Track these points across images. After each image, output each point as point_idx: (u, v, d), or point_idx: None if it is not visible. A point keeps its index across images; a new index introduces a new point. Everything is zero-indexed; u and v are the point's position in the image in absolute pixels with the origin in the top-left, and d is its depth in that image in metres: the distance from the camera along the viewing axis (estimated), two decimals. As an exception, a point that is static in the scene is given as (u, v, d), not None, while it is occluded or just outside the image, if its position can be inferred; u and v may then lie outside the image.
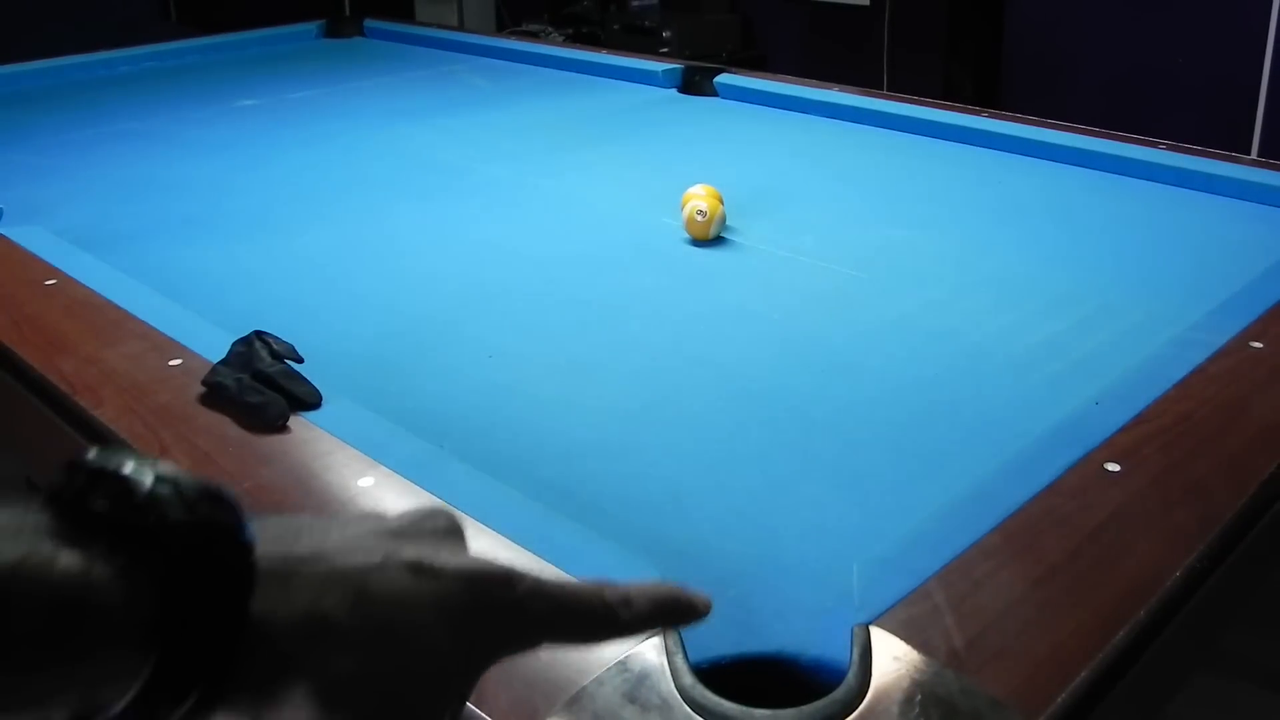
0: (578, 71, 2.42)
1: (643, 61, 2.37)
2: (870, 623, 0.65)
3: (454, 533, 0.45)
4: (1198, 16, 3.27)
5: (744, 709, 0.58)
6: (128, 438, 0.89)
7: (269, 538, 0.38)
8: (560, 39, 4.28)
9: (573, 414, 1.00)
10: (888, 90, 3.41)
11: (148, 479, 0.35)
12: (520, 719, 0.59)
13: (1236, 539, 0.75)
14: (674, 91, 2.23)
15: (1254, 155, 2.22)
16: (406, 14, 4.46)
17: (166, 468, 0.36)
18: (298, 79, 2.45)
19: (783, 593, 0.73)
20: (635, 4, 4.41)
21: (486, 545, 0.74)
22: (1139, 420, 0.88)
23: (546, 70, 2.47)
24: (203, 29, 3.26)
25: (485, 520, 0.76)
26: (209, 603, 0.35)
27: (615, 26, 4.35)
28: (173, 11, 4.67)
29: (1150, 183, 1.59)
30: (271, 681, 0.36)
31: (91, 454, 0.36)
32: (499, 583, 0.42)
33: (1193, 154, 1.61)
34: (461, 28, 4.32)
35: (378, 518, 0.43)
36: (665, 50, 3.99)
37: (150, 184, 1.72)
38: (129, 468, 0.36)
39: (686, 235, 1.42)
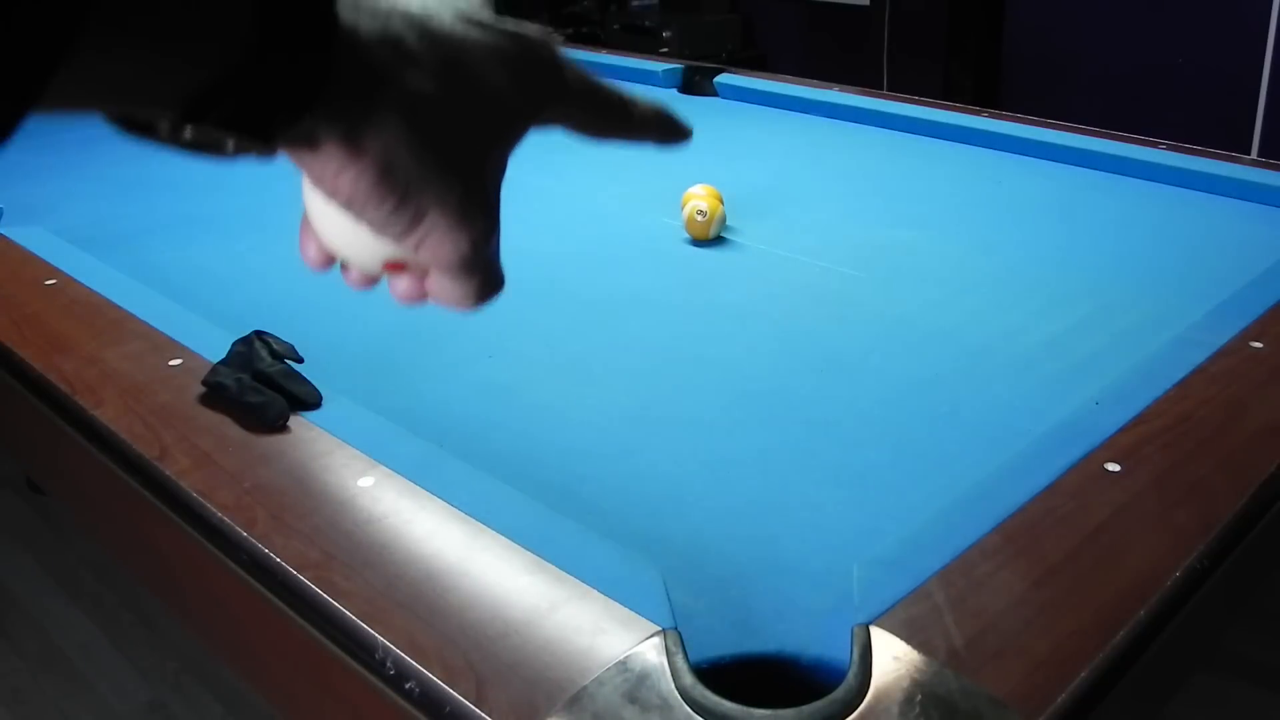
0: (578, 71, 2.42)
1: (643, 61, 2.37)
2: (870, 623, 0.65)
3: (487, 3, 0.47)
4: (1198, 16, 3.27)
5: (744, 709, 0.58)
6: (128, 438, 0.89)
7: None
8: (560, 39, 4.27)
9: (572, 414, 1.00)
10: (888, 90, 3.41)
11: None
12: (520, 719, 0.60)
13: (1236, 539, 0.75)
14: (674, 91, 2.23)
15: (1254, 155, 2.22)
16: (406, 14, 4.46)
17: None
18: (298, 79, 2.45)
19: (783, 593, 0.73)
20: (635, 4, 4.41)
21: (486, 544, 0.74)
22: (1139, 420, 0.88)
23: (546, 70, 2.47)
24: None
25: (485, 520, 0.76)
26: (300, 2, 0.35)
27: (615, 26, 4.35)
28: (173, 11, 4.67)
29: (1150, 183, 1.59)
30: (362, 91, 0.37)
31: None
32: (543, 43, 0.44)
33: (1193, 154, 1.61)
34: (461, 28, 4.32)
35: None
36: (665, 50, 3.99)
37: (150, 183, 1.72)
38: None
39: (686, 235, 1.42)
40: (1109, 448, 0.84)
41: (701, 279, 1.33)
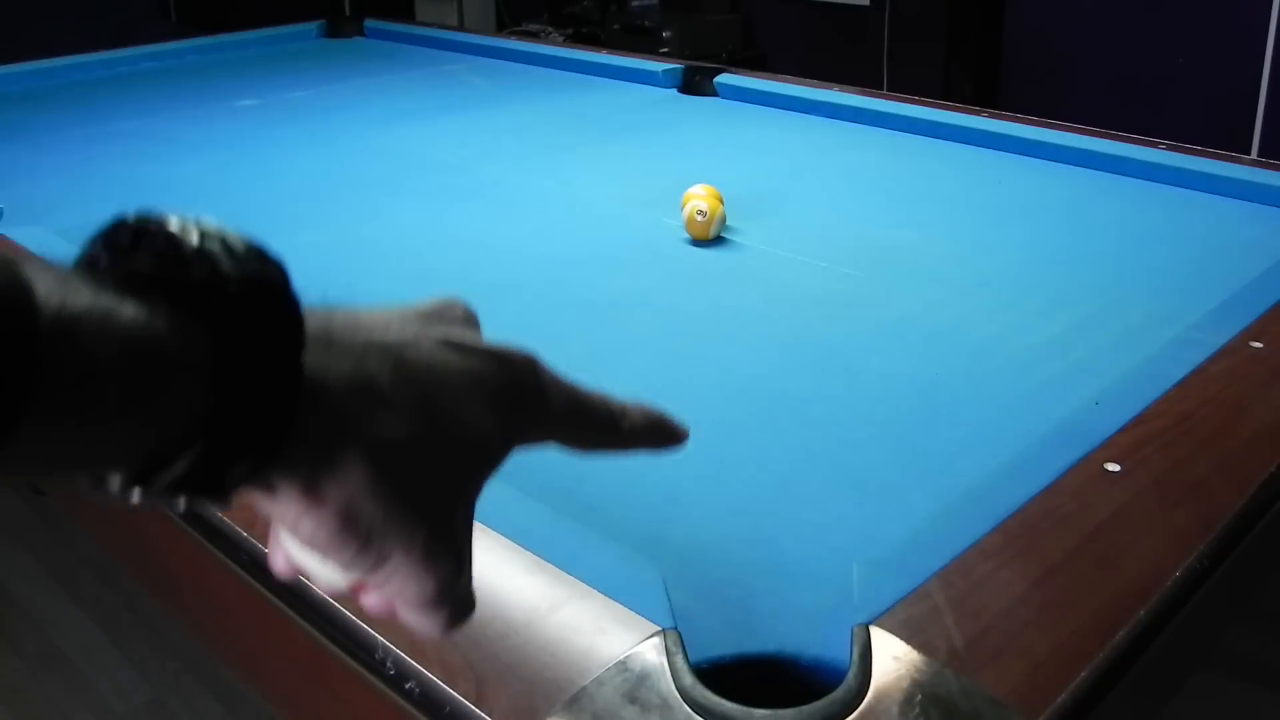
0: (578, 71, 2.42)
1: (643, 61, 2.37)
2: (870, 623, 0.65)
3: (472, 320, 0.45)
4: (1198, 17, 3.27)
5: (744, 709, 0.58)
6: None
7: (307, 310, 0.37)
8: (560, 39, 4.28)
9: (573, 414, 1.00)
10: (888, 90, 3.41)
11: (194, 235, 0.34)
12: (520, 719, 0.59)
13: (1236, 539, 0.75)
14: (674, 91, 2.23)
15: (1254, 155, 2.22)
16: (406, 14, 4.46)
17: (210, 224, 0.35)
18: (298, 79, 2.45)
19: (783, 593, 0.73)
20: (635, 4, 4.41)
21: (486, 544, 0.74)
22: (1139, 420, 0.88)
23: (546, 70, 2.47)
24: (203, 29, 3.26)
25: (485, 520, 0.76)
26: (265, 356, 0.34)
27: (615, 26, 4.35)
28: (173, 11, 4.67)
29: (1150, 183, 1.59)
30: (325, 440, 0.36)
31: (129, 215, 0.35)
32: (524, 367, 0.43)
33: (1193, 154, 1.61)
34: (461, 28, 4.33)
35: (400, 305, 0.43)
36: (665, 50, 3.99)
37: (150, 184, 1.72)
38: (174, 225, 0.34)
39: (686, 235, 1.42)
40: (1109, 448, 0.84)
41: (701, 279, 1.33)
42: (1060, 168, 1.68)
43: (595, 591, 0.68)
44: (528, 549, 0.73)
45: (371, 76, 2.48)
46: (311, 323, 0.36)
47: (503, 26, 4.75)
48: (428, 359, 0.39)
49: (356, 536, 0.37)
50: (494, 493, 0.85)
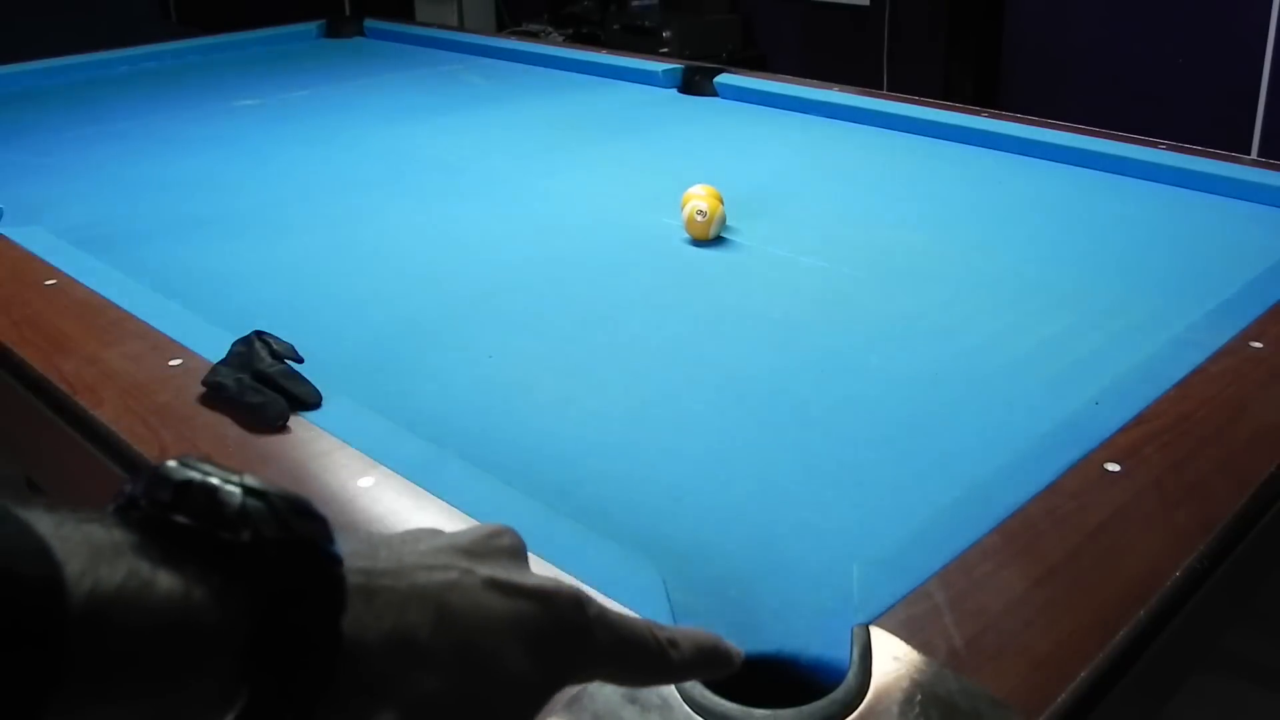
0: (578, 71, 2.42)
1: (643, 61, 2.37)
2: (870, 623, 0.65)
3: (520, 552, 0.44)
4: (1198, 17, 3.27)
5: (744, 709, 0.58)
6: (128, 438, 0.89)
7: (349, 553, 0.36)
8: (560, 39, 4.28)
9: (572, 414, 1.00)
10: (888, 90, 3.41)
11: (237, 493, 0.34)
12: (520, 719, 0.59)
13: (1236, 539, 0.75)
14: (674, 91, 2.23)
15: (1254, 155, 2.23)
16: (406, 14, 4.46)
17: (253, 480, 0.34)
18: (298, 79, 2.45)
19: (783, 593, 0.73)
20: (635, 4, 4.41)
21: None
22: (1139, 420, 0.88)
23: (546, 70, 2.47)
24: (203, 29, 3.26)
25: (485, 520, 0.76)
26: (305, 622, 0.34)
27: (615, 26, 4.35)
28: (173, 11, 4.67)
29: (1150, 183, 1.59)
30: (362, 703, 0.35)
31: (173, 464, 0.34)
32: (571, 605, 0.41)
33: (1193, 154, 1.61)
34: (461, 28, 4.33)
35: (449, 535, 0.42)
36: (665, 50, 3.99)
37: (150, 184, 1.72)
38: (216, 480, 0.34)
39: (686, 235, 1.42)
40: (1109, 448, 0.84)
41: (701, 279, 1.33)
42: (1060, 168, 1.68)
43: (595, 591, 0.68)
44: (527, 549, 0.73)
45: (371, 76, 2.48)
46: (354, 574, 0.36)
47: (503, 26, 4.75)
48: (471, 604, 0.39)
49: None
50: (494, 493, 0.85)
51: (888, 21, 3.84)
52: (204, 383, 0.94)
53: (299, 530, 0.34)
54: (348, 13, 4.02)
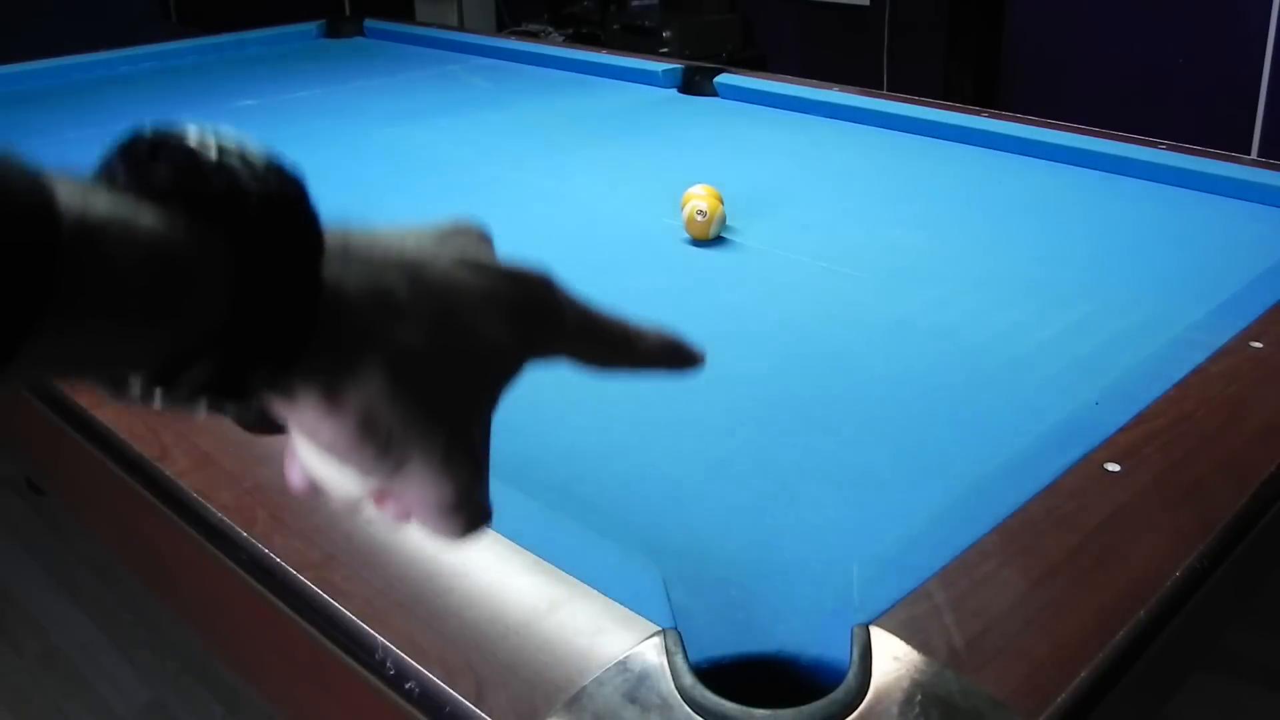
0: (578, 71, 2.42)
1: (643, 61, 2.37)
2: (870, 623, 0.65)
3: (486, 239, 0.45)
4: (1198, 17, 3.27)
5: (744, 709, 0.58)
6: (128, 438, 0.89)
7: (325, 223, 0.37)
8: (560, 39, 4.28)
9: (572, 413, 1.00)
10: (888, 90, 3.41)
11: (213, 148, 0.34)
12: (520, 719, 0.60)
13: (1236, 539, 0.75)
14: (674, 91, 2.23)
15: (1254, 155, 2.22)
16: (406, 14, 4.46)
17: (229, 137, 0.35)
18: (298, 79, 2.45)
19: (783, 593, 0.73)
20: (635, 4, 4.41)
21: (486, 544, 0.74)
22: (1139, 420, 0.88)
23: (546, 70, 2.47)
24: (203, 29, 3.26)
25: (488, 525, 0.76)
26: (284, 265, 0.35)
27: (615, 26, 4.35)
28: (173, 11, 4.67)
29: (1150, 183, 1.59)
30: (345, 350, 0.37)
31: (147, 129, 0.35)
32: (539, 284, 0.43)
33: (1193, 154, 1.61)
34: (461, 28, 4.33)
35: (415, 225, 0.43)
36: (665, 50, 3.99)
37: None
38: (192, 138, 0.35)
39: (686, 235, 1.42)
40: (1109, 448, 0.84)
41: (701, 279, 1.33)
42: (1060, 168, 1.68)
43: (595, 591, 0.68)
44: (527, 549, 0.73)
45: (371, 77, 2.48)
46: (330, 238, 0.37)
47: (503, 26, 4.75)
48: (444, 275, 0.40)
49: (375, 441, 0.38)
50: (494, 493, 0.85)
51: (888, 21, 3.84)
52: (204, 383, 0.94)
53: (276, 183, 0.35)
54: (348, 13, 4.01)
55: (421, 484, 0.39)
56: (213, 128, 0.35)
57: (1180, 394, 0.92)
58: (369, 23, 2.92)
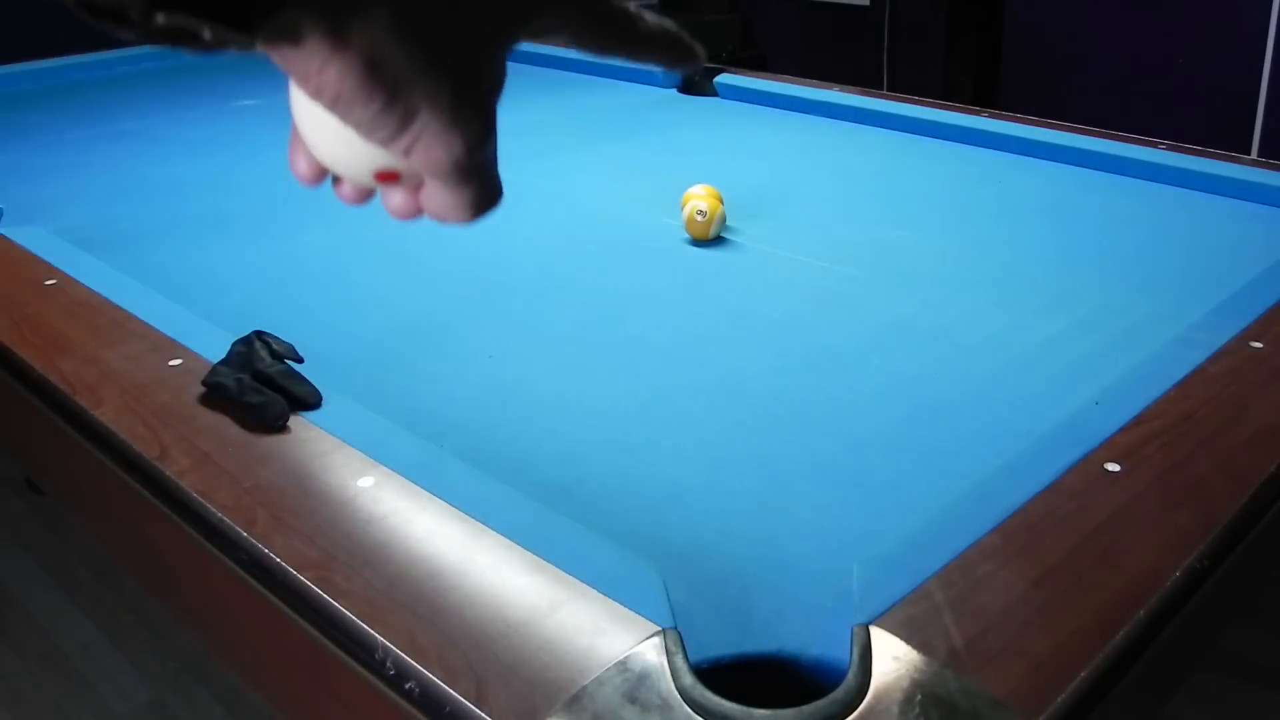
0: (578, 71, 2.42)
1: (643, 61, 2.37)
2: (870, 623, 0.65)
3: None
4: (1198, 17, 3.27)
5: (744, 709, 0.58)
6: (128, 438, 0.89)
7: None
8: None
9: (573, 414, 1.00)
10: (888, 90, 3.41)
11: None
12: (520, 719, 0.60)
13: (1236, 539, 0.75)
14: (674, 91, 2.23)
15: (1254, 155, 2.23)
16: (406, 14, 4.45)
17: None
18: (298, 79, 2.45)
19: (783, 593, 0.73)
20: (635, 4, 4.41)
21: (486, 544, 0.74)
22: (1139, 420, 0.88)
23: (546, 70, 2.47)
24: (203, 29, 3.26)
25: (485, 520, 0.76)
26: None
27: (615, 26, 4.35)
28: (173, 11, 4.66)
29: (1150, 183, 1.59)
30: None
31: None
32: None
33: (1193, 154, 1.61)
34: (461, 28, 4.32)
35: None
36: (665, 50, 3.98)
37: (150, 184, 1.72)
38: None
39: (686, 235, 1.42)
40: (1109, 448, 0.84)
41: (701, 279, 1.33)
42: (1060, 168, 1.68)
43: (595, 591, 0.68)
44: (527, 549, 0.73)
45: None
46: None
47: (503, 26, 4.74)
48: None
49: (382, 87, 0.36)
50: (494, 492, 0.85)
51: (888, 21, 3.84)
52: (204, 383, 0.94)
53: None
54: (348, 13, 4.01)
55: (431, 139, 0.38)
56: None
57: (1180, 394, 0.92)
58: (369, 23, 2.92)
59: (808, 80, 2.16)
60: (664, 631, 0.64)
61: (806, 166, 1.80)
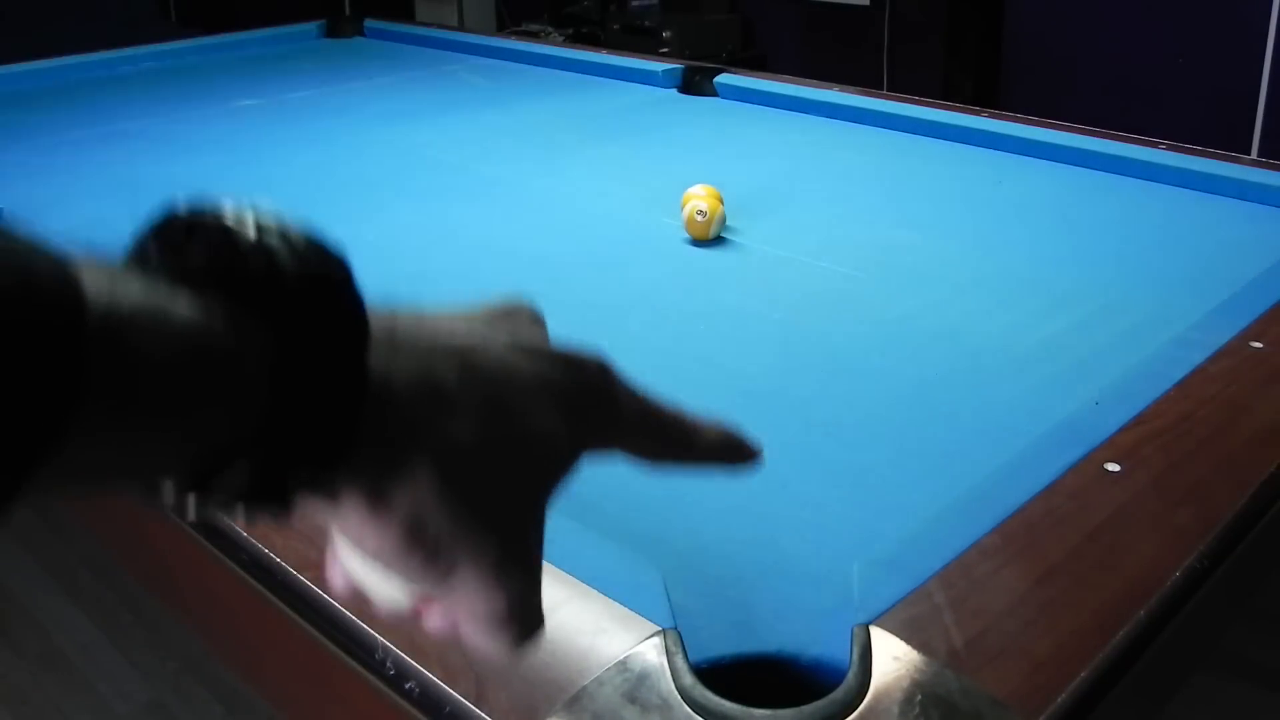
0: (578, 71, 2.42)
1: (643, 61, 2.37)
2: (870, 623, 0.65)
3: (540, 320, 0.43)
4: (1198, 17, 3.27)
5: (744, 709, 0.58)
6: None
7: (370, 308, 0.34)
8: (560, 39, 4.28)
9: (573, 414, 1.00)
10: (888, 90, 3.41)
11: (250, 227, 0.32)
12: (520, 719, 0.59)
13: (1236, 539, 0.75)
14: (674, 91, 2.23)
15: (1254, 155, 2.22)
16: (406, 14, 4.46)
17: (267, 214, 0.33)
18: (298, 79, 2.45)
19: (783, 593, 0.73)
20: (635, 4, 4.41)
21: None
22: (1139, 420, 0.88)
23: (546, 70, 2.47)
24: (203, 29, 3.26)
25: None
26: (327, 356, 0.32)
27: (615, 26, 4.35)
28: (173, 11, 4.67)
29: (1150, 183, 1.59)
30: (392, 447, 0.34)
31: (181, 207, 0.33)
32: (597, 370, 0.40)
33: (1193, 154, 1.61)
34: (461, 28, 4.33)
35: (467, 306, 0.41)
36: (665, 50, 3.99)
37: (150, 184, 1.72)
38: (229, 217, 0.32)
39: (686, 235, 1.42)
40: (1109, 448, 0.84)
41: (701, 279, 1.33)
42: (1060, 168, 1.68)
43: (595, 591, 0.68)
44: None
45: (371, 77, 2.48)
46: (376, 323, 0.34)
47: (503, 26, 4.75)
48: (496, 362, 0.37)
49: (424, 548, 0.35)
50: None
51: (888, 21, 3.84)
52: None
53: (319, 265, 0.32)
54: (348, 13, 4.01)
55: (472, 592, 0.36)
56: (250, 203, 0.33)
57: (1180, 394, 0.92)
58: (369, 23, 2.92)
59: (808, 80, 2.16)
60: (664, 631, 0.64)
61: (806, 166, 1.80)
